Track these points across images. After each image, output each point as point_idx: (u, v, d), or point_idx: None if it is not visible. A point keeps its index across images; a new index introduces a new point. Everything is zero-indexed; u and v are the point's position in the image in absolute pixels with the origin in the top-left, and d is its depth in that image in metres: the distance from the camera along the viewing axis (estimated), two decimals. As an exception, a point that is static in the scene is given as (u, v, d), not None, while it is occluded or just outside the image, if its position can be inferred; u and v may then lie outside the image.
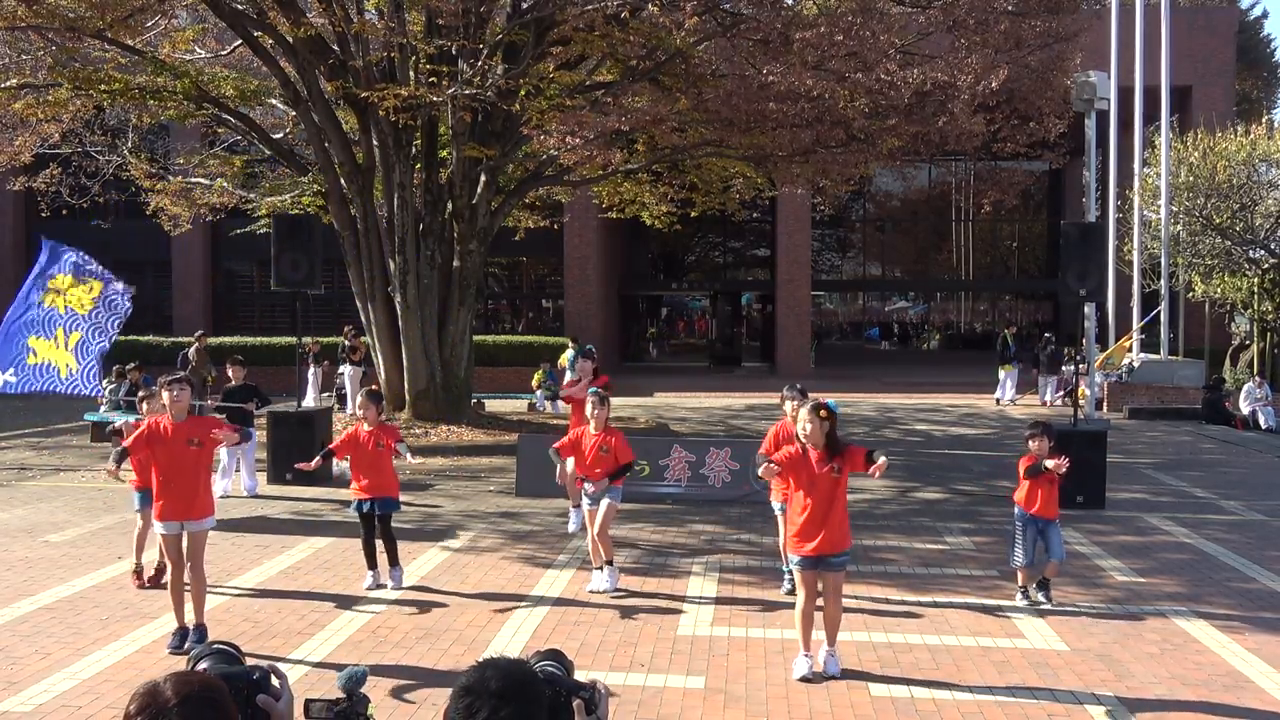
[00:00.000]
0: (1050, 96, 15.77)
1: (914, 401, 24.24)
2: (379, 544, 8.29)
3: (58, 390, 9.12)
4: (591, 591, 8.10)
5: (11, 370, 9.03)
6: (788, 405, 7.88)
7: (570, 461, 8.31)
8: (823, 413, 6.28)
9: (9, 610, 7.64)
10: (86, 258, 9.40)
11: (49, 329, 9.03)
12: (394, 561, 8.35)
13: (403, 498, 11.72)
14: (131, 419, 9.85)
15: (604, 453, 8.16)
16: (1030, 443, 7.93)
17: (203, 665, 2.20)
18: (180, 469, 6.84)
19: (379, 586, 8.21)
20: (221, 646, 2.28)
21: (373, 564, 8.32)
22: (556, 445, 8.44)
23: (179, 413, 6.87)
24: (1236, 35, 32.15)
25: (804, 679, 6.26)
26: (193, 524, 6.87)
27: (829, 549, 6.30)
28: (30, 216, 30.32)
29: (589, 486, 8.24)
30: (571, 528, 9.93)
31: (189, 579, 6.93)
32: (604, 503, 8.15)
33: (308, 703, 2.27)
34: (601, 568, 8.21)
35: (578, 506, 9.56)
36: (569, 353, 23.08)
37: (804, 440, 6.35)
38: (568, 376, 23.23)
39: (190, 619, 6.91)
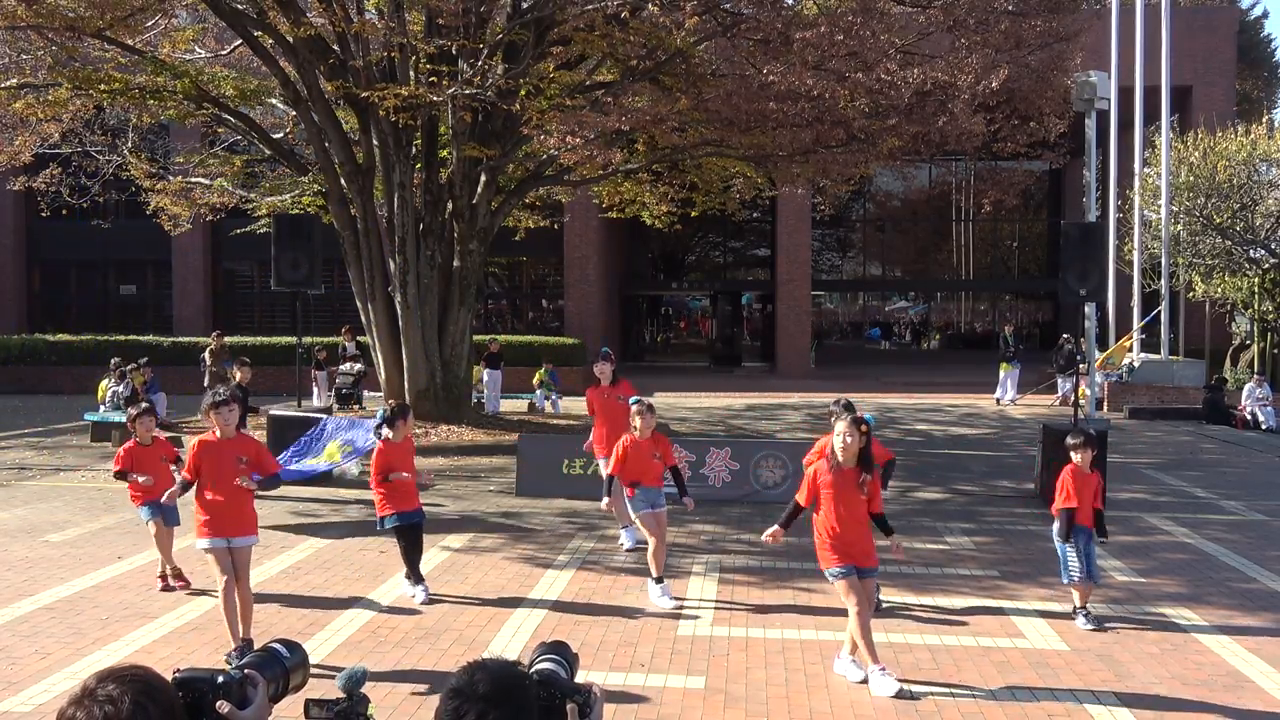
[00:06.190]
0: (1050, 96, 15.76)
1: (914, 401, 24.24)
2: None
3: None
4: (658, 604, 7.81)
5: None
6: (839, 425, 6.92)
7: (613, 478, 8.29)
8: (863, 427, 6.29)
9: (9, 610, 7.63)
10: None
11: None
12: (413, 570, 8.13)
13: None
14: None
15: (656, 459, 8.19)
16: (1074, 454, 7.56)
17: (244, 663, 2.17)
18: (228, 484, 6.68)
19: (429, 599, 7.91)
20: (272, 645, 2.24)
21: (420, 577, 7.99)
22: (609, 467, 8.35)
23: (228, 431, 6.79)
24: (1237, 35, 32.14)
25: (899, 696, 5.99)
26: (238, 540, 6.72)
27: (865, 560, 6.30)
28: (30, 216, 30.35)
29: (639, 491, 8.13)
30: (629, 544, 9.58)
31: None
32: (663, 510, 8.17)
33: (307, 703, 2.26)
34: (661, 579, 7.99)
35: (628, 525, 9.41)
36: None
37: (839, 455, 6.29)
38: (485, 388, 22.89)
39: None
